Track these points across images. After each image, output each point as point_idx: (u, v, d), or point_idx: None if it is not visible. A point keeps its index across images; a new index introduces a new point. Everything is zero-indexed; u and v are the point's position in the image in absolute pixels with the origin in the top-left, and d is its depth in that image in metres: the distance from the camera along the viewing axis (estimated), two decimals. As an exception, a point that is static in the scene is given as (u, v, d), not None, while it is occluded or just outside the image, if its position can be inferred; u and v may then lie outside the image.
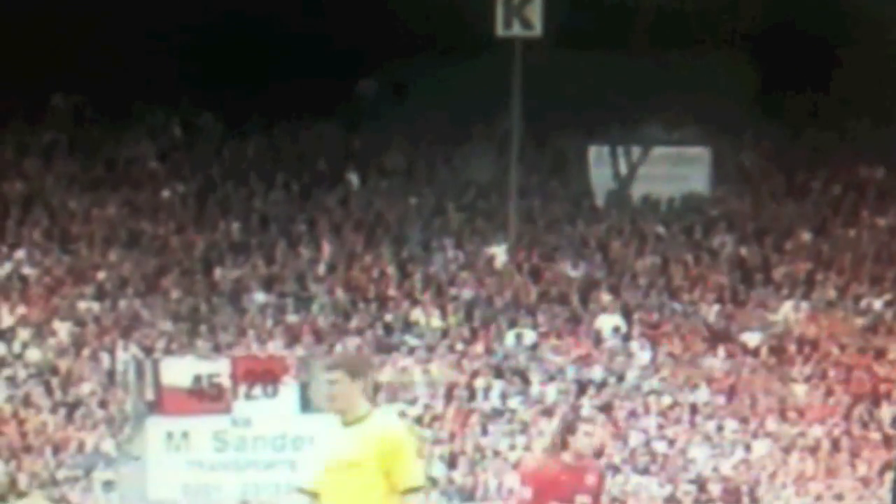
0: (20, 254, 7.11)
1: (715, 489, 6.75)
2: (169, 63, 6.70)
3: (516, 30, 6.84)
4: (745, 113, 7.49)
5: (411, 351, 7.09)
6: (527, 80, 7.23)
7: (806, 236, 7.48)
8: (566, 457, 3.55)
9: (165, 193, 7.00)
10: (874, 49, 6.33)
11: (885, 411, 6.53)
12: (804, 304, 7.21)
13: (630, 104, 7.41)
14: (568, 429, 3.63)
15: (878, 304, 7.00)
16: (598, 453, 6.74)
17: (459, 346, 7.02)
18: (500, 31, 6.82)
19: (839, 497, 6.56)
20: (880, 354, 6.83)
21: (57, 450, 6.49)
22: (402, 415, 7.00)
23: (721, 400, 6.93)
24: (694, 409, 6.87)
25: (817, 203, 7.62)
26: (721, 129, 7.53)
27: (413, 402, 6.91)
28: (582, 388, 6.92)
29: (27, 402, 6.31)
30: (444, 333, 7.13)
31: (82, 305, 7.08)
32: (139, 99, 6.99)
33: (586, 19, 7.20)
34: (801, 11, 6.70)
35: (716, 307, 7.15)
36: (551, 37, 6.96)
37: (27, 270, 7.06)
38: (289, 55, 6.86)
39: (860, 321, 7.06)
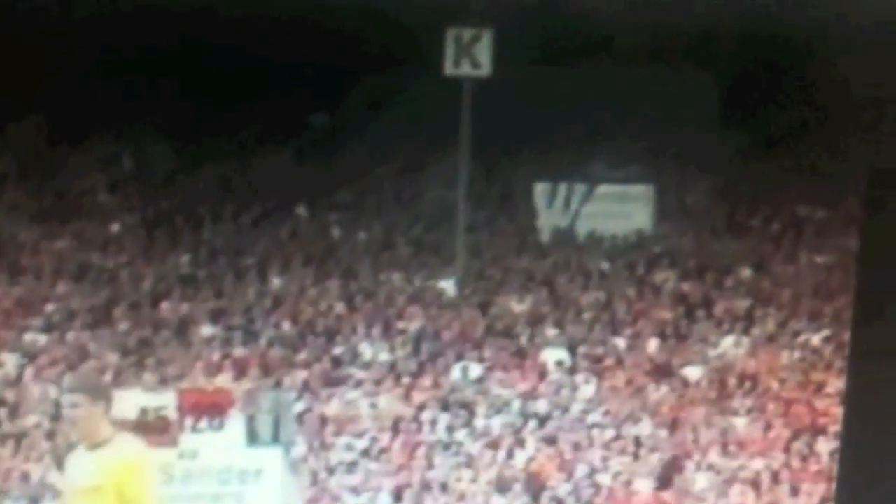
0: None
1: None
2: (119, 93, 6.57)
3: (465, 69, 6.76)
4: (688, 152, 7.45)
5: (358, 384, 6.96)
6: (475, 118, 7.16)
7: (746, 273, 7.43)
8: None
9: (115, 226, 6.86)
10: (816, 88, 6.28)
11: (824, 445, 6.47)
12: (744, 339, 7.14)
13: (576, 143, 7.36)
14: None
15: (816, 340, 6.94)
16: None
17: (406, 380, 6.89)
18: (448, 69, 6.74)
19: (780, 530, 6.50)
20: (819, 389, 6.77)
21: (3, 480, 6.33)
22: (350, 448, 6.87)
23: (664, 433, 6.84)
24: (637, 441, 6.77)
25: (757, 240, 7.58)
26: (664, 167, 7.49)
27: (360, 434, 6.77)
28: (527, 420, 6.81)
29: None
30: (392, 367, 7.01)
31: (29, 337, 6.93)
32: (89, 129, 6.85)
33: (534, 60, 7.14)
34: (743, 50, 6.66)
35: (658, 342, 7.07)
36: (499, 76, 6.89)
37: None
38: (240, 87, 6.75)
39: (799, 356, 7.00)
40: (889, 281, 4.45)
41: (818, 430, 6.53)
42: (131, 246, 6.86)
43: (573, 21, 6.71)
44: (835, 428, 6.07)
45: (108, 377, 6.66)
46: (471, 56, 6.74)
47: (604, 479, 6.69)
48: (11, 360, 6.70)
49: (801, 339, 6.97)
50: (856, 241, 5.26)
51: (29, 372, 6.79)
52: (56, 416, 6.50)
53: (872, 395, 4.44)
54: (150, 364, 6.68)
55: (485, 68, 6.74)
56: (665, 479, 6.56)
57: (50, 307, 6.81)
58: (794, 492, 6.38)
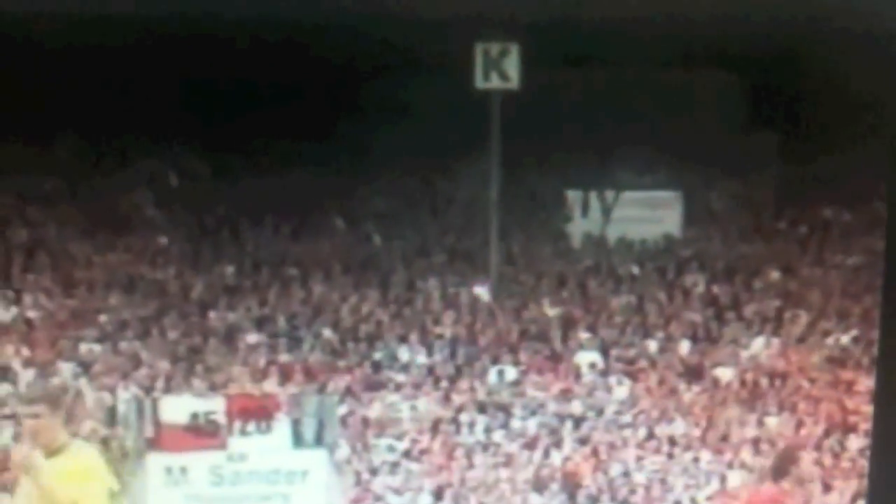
0: (26, 298, 7.08)
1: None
2: (162, 111, 6.70)
3: (494, 82, 6.88)
4: (714, 157, 7.54)
5: (398, 387, 7.08)
6: (505, 128, 7.27)
7: (774, 275, 7.51)
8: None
9: (162, 239, 7.00)
10: (840, 90, 6.35)
11: (854, 442, 6.55)
12: (774, 340, 7.23)
13: (604, 150, 7.46)
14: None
15: (845, 339, 7.02)
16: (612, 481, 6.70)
17: (444, 383, 7.01)
18: (478, 83, 6.86)
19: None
20: (849, 387, 6.86)
21: (59, 486, 6.44)
22: (391, 449, 6.98)
23: (697, 432, 6.93)
24: (671, 441, 6.87)
25: (785, 243, 7.66)
26: (691, 172, 7.58)
27: (401, 436, 6.89)
28: (562, 421, 6.92)
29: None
30: (430, 371, 7.13)
31: (84, 347, 7.06)
32: (136, 148, 6.99)
33: (561, 73, 7.26)
34: (768, 53, 6.74)
35: (689, 343, 7.16)
36: (528, 89, 7.01)
37: (32, 314, 7.03)
38: (275, 104, 6.87)
39: (828, 355, 7.09)
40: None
41: (849, 428, 6.61)
42: (178, 259, 6.99)
43: (597, 31, 6.81)
44: (865, 426, 6.15)
45: (159, 383, 6.79)
46: (499, 69, 6.87)
47: (638, 478, 6.77)
48: (67, 369, 6.84)
49: (831, 339, 7.05)
50: (881, 242, 5.36)
51: (84, 380, 6.92)
52: (111, 423, 6.62)
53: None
54: (199, 371, 6.82)
55: (513, 81, 6.86)
56: (698, 477, 6.65)
57: (103, 318, 6.94)
58: (827, 489, 6.44)
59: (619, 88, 7.29)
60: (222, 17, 6.09)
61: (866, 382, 6.64)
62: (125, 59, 6.43)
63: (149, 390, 6.68)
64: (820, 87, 6.68)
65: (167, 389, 6.81)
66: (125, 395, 6.62)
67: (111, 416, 6.57)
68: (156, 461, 6.24)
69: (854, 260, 7.60)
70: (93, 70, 6.54)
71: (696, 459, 6.72)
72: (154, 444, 6.32)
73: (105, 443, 6.60)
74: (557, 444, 6.97)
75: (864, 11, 5.63)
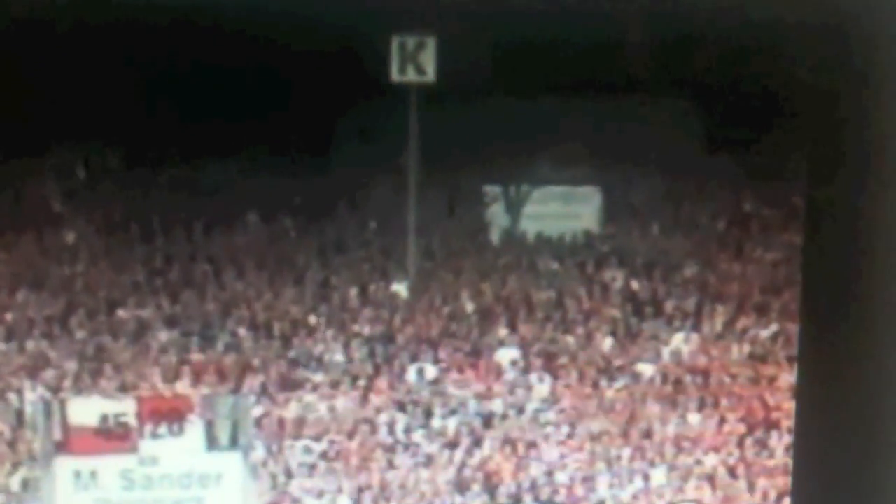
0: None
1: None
2: (74, 102, 6.39)
3: (410, 75, 6.64)
4: (632, 152, 7.39)
5: (315, 387, 6.83)
6: (422, 123, 7.06)
7: (694, 270, 7.37)
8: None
9: (69, 235, 6.67)
10: (762, 88, 6.22)
11: (777, 439, 6.42)
12: (694, 336, 7.08)
13: (521, 146, 7.28)
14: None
15: (765, 335, 6.89)
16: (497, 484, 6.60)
17: (362, 382, 6.77)
18: (395, 76, 6.62)
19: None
20: (770, 383, 6.73)
21: (-38, 489, 6.15)
22: (308, 451, 6.76)
23: (618, 429, 6.77)
24: (593, 438, 6.71)
25: (704, 238, 7.53)
26: (609, 168, 7.42)
27: (319, 437, 6.65)
28: (484, 420, 6.73)
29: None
30: (348, 370, 6.89)
31: (-10, 346, 6.75)
32: (44, 138, 6.66)
33: (478, 65, 7.06)
34: (687, 52, 6.60)
35: (610, 339, 6.99)
36: (444, 82, 6.80)
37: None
38: (190, 95, 6.59)
39: (749, 351, 6.96)
40: (833, 275, 4.38)
41: (771, 425, 6.50)
42: (86, 255, 6.68)
43: (515, 24, 6.60)
44: (788, 423, 6.03)
45: (67, 384, 6.52)
46: (416, 63, 6.63)
47: (561, 477, 6.62)
48: (-29, 370, 6.51)
49: (751, 334, 6.92)
50: (800, 237, 5.18)
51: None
52: (18, 424, 6.37)
53: (823, 388, 4.36)
54: (109, 371, 6.52)
55: (429, 74, 6.63)
56: (621, 475, 6.53)
57: (8, 316, 6.63)
58: (751, 486, 6.33)
59: (538, 83, 7.12)
60: (135, 3, 5.78)
61: (787, 378, 6.54)
62: (35, 46, 6.12)
63: (56, 391, 6.38)
64: (741, 83, 6.54)
65: (76, 390, 6.52)
66: (32, 397, 6.33)
67: (18, 418, 6.28)
68: (64, 465, 5.97)
69: (773, 255, 7.50)
70: (2, 57, 6.22)
71: (618, 457, 6.58)
72: (62, 447, 6.05)
73: (11, 446, 6.31)
74: (478, 443, 6.80)
75: (774, 12, 5.51)
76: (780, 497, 6.09)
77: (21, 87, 6.06)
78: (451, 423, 7.08)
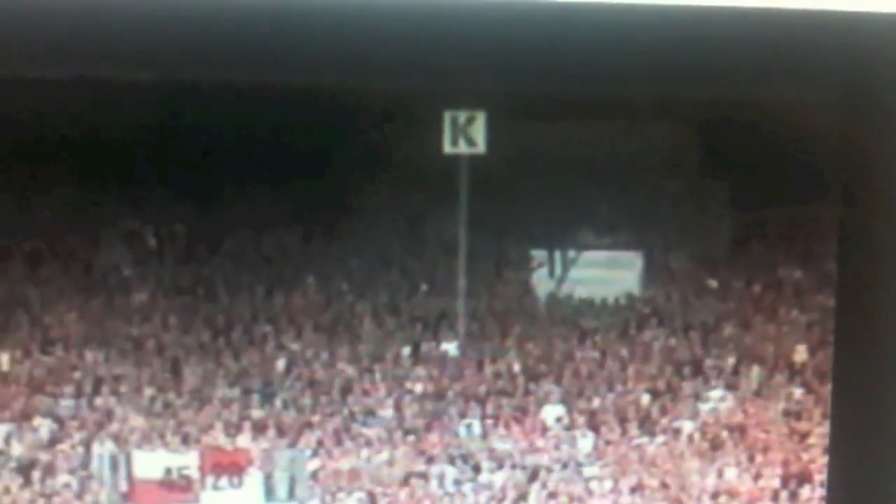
0: (3, 356, 6.93)
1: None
2: (140, 173, 6.59)
3: (462, 147, 6.80)
4: (671, 220, 7.49)
5: (369, 442, 6.92)
6: (472, 192, 7.21)
7: (730, 331, 7.43)
8: None
9: (140, 297, 6.85)
10: (787, 150, 6.31)
11: (810, 492, 6.44)
12: (731, 394, 7.14)
13: (567, 213, 7.40)
14: None
15: (798, 393, 6.93)
16: None
17: (413, 437, 6.86)
18: (447, 148, 6.78)
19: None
20: (803, 439, 6.76)
21: (36, 538, 6.27)
22: (362, 502, 6.83)
23: (657, 483, 6.81)
24: (634, 492, 6.75)
25: (739, 300, 7.60)
26: (649, 234, 7.53)
27: (372, 489, 6.72)
28: (529, 474, 6.78)
29: (8, 494, 6.10)
30: (400, 424, 6.98)
31: (60, 403, 6.89)
32: (114, 208, 6.86)
33: (525, 137, 7.21)
34: (722, 118, 6.71)
35: (650, 396, 7.06)
36: (494, 154, 6.95)
37: (7, 370, 6.88)
38: (252, 168, 6.78)
39: (784, 408, 7.00)
40: (864, 336, 4.46)
41: (805, 478, 6.52)
42: (153, 317, 6.85)
43: (559, 99, 6.77)
44: (820, 476, 6.05)
45: (133, 438, 6.64)
46: (466, 135, 6.80)
47: (606, 525, 6.67)
48: (44, 425, 6.66)
49: (785, 391, 6.97)
50: (832, 299, 5.28)
51: (59, 436, 6.76)
52: (86, 477, 6.49)
53: (854, 443, 4.43)
54: (173, 426, 6.65)
55: (480, 146, 6.79)
56: None
57: (77, 375, 6.79)
58: (784, 538, 6.37)
59: (582, 154, 7.26)
60: (203, 80, 5.98)
61: (820, 433, 6.55)
62: (105, 119, 6.33)
63: (123, 445, 6.51)
64: (769, 146, 6.65)
65: (141, 445, 6.65)
66: (99, 450, 6.46)
67: (85, 471, 6.40)
68: (130, 515, 6.06)
69: (806, 316, 7.56)
70: (73, 130, 6.44)
71: (658, 511, 6.62)
72: (128, 498, 6.15)
73: (80, 497, 6.44)
74: (524, 496, 6.84)
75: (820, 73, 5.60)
76: (812, 547, 6.12)
77: (91, 161, 6.27)
78: (498, 477, 7.15)
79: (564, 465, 7.28)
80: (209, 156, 7.12)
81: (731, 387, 7.59)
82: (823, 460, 5.83)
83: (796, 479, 6.83)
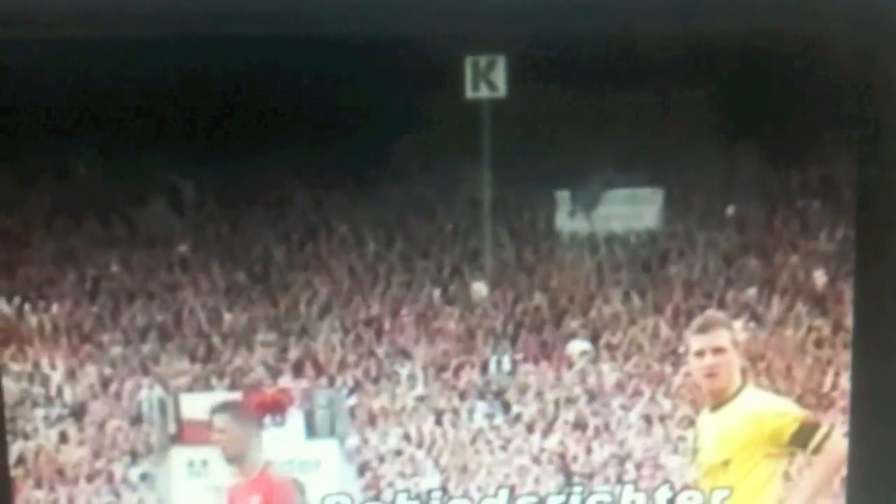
0: (54, 307, 6.74)
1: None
2: (176, 128, 6.34)
3: (483, 92, 6.50)
4: (692, 156, 7.18)
5: (403, 380, 6.70)
6: (494, 135, 6.92)
7: (752, 263, 7.14)
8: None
9: (181, 248, 6.63)
10: (806, 84, 5.98)
11: (832, 417, 6.17)
12: (752, 324, 6.85)
13: (588, 153, 7.10)
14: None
15: (819, 322, 6.64)
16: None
17: (445, 374, 6.63)
18: (469, 93, 6.48)
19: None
20: (825, 367, 6.48)
21: (91, 480, 6.11)
22: (397, 437, 6.63)
23: (681, 414, 6.56)
24: (661, 419, 6.49)
25: (759, 233, 7.29)
26: (670, 171, 7.21)
27: (406, 425, 6.52)
28: (557, 406, 6.54)
29: (64, 438, 5.92)
30: (432, 363, 6.75)
31: (109, 351, 6.71)
32: (153, 164, 6.62)
33: (545, 81, 6.90)
34: (742, 66, 6.38)
35: (673, 330, 6.79)
36: (515, 97, 6.65)
37: (59, 321, 6.69)
38: (276, 118, 6.51)
39: (803, 337, 6.71)
40: (885, 264, 4.20)
41: (827, 406, 6.24)
42: (194, 267, 6.63)
43: (578, 42, 6.45)
44: (843, 403, 5.77)
45: (180, 382, 6.46)
46: (488, 80, 6.49)
47: (634, 455, 6.43)
48: (93, 372, 6.48)
49: (807, 321, 6.67)
50: (852, 229, 4.97)
51: (109, 382, 6.59)
52: (137, 420, 6.33)
53: (876, 370, 4.17)
54: (217, 369, 6.45)
55: (501, 90, 6.49)
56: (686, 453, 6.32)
57: (125, 323, 6.60)
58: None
59: (601, 95, 6.95)
60: (219, 33, 5.76)
61: (842, 361, 6.27)
62: (140, 76, 6.07)
63: (169, 389, 6.32)
64: (791, 81, 6.31)
65: (187, 388, 6.47)
66: (147, 394, 6.28)
67: (138, 414, 6.24)
68: (179, 455, 5.91)
69: (826, 246, 7.26)
70: (108, 88, 6.18)
71: (681, 438, 6.37)
72: (177, 439, 5.99)
73: (130, 440, 6.28)
74: (552, 427, 6.61)
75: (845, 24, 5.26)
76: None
77: (131, 119, 6.04)
78: (528, 410, 6.91)
79: (591, 398, 7.03)
80: (238, 111, 6.87)
81: (752, 317, 7.31)
82: (846, 387, 5.58)
83: (819, 407, 6.56)
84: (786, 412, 2.67)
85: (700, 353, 2.49)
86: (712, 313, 3.78)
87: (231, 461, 2.29)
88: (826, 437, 2.73)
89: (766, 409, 2.61)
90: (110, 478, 5.99)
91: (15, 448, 5.88)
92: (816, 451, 2.56)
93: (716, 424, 2.71)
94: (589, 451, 6.19)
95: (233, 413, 2.34)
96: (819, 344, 6.23)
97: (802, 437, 2.65)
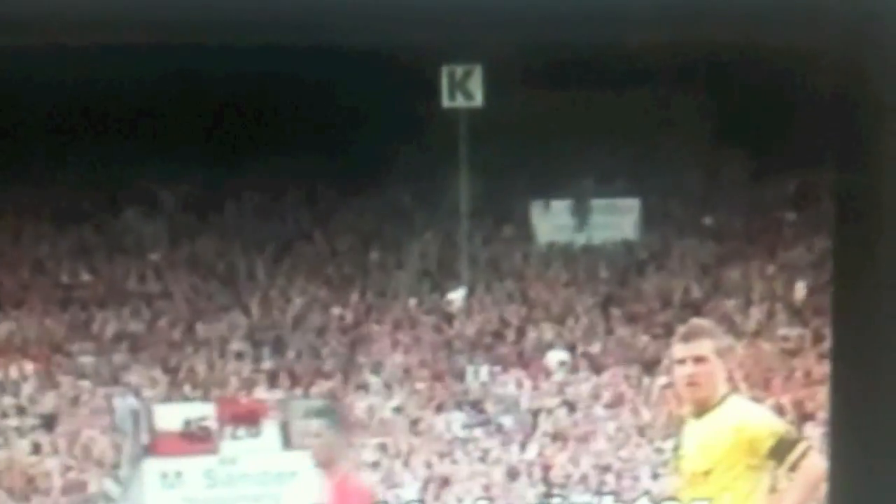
0: (24, 316, 6.70)
1: None
2: (153, 137, 6.32)
3: (459, 101, 6.51)
4: (669, 166, 7.21)
5: (379, 390, 6.70)
6: (471, 144, 6.92)
7: (731, 273, 7.17)
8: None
9: (153, 257, 6.60)
10: (793, 95, 6.02)
11: (812, 428, 6.21)
12: (729, 337, 6.89)
13: (565, 163, 7.12)
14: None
15: (796, 333, 6.68)
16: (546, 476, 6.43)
17: (422, 385, 6.64)
18: (445, 102, 6.49)
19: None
20: (804, 377, 6.53)
21: (63, 491, 6.08)
22: (374, 448, 6.63)
23: (660, 422, 6.59)
24: (639, 431, 6.53)
25: (737, 243, 7.33)
26: (648, 180, 7.25)
27: (383, 435, 6.52)
28: (534, 416, 6.57)
29: (35, 449, 5.89)
30: (408, 373, 6.75)
31: (81, 360, 6.68)
32: (130, 168, 6.60)
33: (521, 90, 6.92)
34: (722, 74, 6.42)
35: (650, 340, 6.81)
36: (491, 106, 6.66)
37: (30, 331, 6.65)
38: (254, 125, 6.50)
39: (782, 348, 6.76)
40: (863, 275, 4.20)
41: (807, 416, 6.29)
42: (168, 276, 6.60)
43: (555, 52, 6.46)
44: (823, 414, 5.83)
45: (154, 392, 6.44)
46: (463, 89, 6.50)
47: (613, 465, 6.45)
48: (67, 382, 6.44)
49: (783, 332, 6.72)
50: (829, 241, 4.98)
51: (81, 392, 6.56)
52: (110, 430, 6.30)
53: (855, 380, 4.17)
54: (191, 379, 6.43)
55: (477, 99, 6.50)
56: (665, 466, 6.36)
57: (96, 331, 6.56)
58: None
59: (577, 105, 6.98)
60: (206, 42, 5.64)
61: (820, 371, 6.33)
62: (119, 85, 6.04)
63: (143, 399, 6.30)
64: (771, 93, 6.35)
65: (161, 398, 6.44)
66: (121, 405, 6.25)
67: (110, 425, 6.20)
68: (152, 466, 5.88)
69: (805, 257, 7.30)
70: (88, 96, 6.15)
71: (658, 450, 6.39)
72: (150, 450, 5.97)
73: (102, 450, 6.24)
74: (530, 438, 6.63)
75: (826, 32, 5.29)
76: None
77: (108, 126, 6.00)
78: (506, 421, 6.93)
79: (570, 408, 7.06)
80: (216, 119, 6.85)
81: (729, 329, 7.34)
82: (824, 398, 5.61)
83: (799, 416, 6.59)
84: (765, 425, 2.65)
85: (682, 362, 2.49)
86: (696, 322, 3.75)
87: (321, 466, 2.28)
88: (804, 454, 2.68)
89: (746, 420, 2.59)
90: (83, 488, 5.87)
91: (-14, 459, 5.71)
92: (793, 468, 2.53)
93: (699, 433, 2.69)
94: (568, 461, 6.15)
95: (329, 418, 2.33)
96: (796, 354, 6.20)
97: (780, 452, 2.63)
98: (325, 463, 2.61)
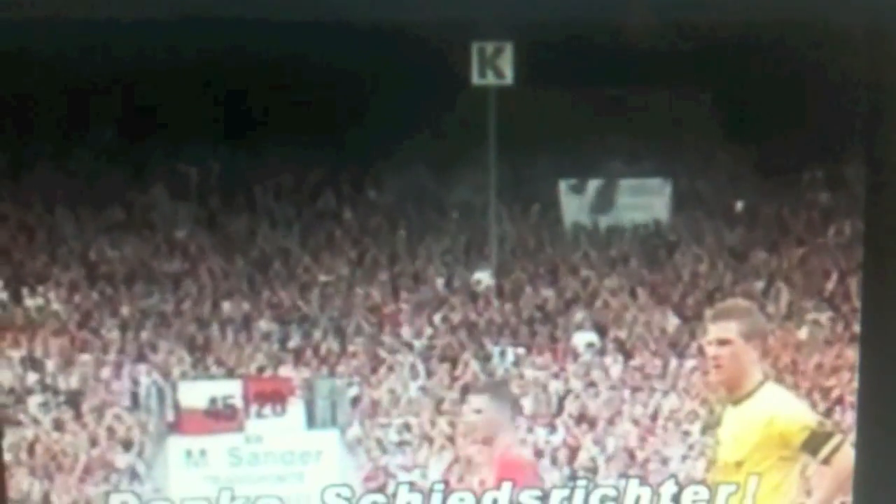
0: (51, 292, 6.79)
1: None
2: (180, 111, 6.38)
3: (490, 79, 6.53)
4: (701, 147, 7.21)
5: (405, 370, 6.75)
6: (500, 123, 6.94)
7: (760, 255, 7.17)
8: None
9: (180, 235, 6.67)
10: (822, 75, 6.00)
11: (840, 414, 6.21)
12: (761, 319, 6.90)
13: (595, 142, 7.13)
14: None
15: (824, 318, 6.68)
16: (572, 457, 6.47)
17: (448, 365, 6.68)
18: (475, 80, 6.51)
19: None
20: (833, 362, 6.53)
21: (87, 469, 6.17)
22: (399, 428, 6.69)
23: (689, 407, 6.62)
24: (667, 413, 6.56)
25: (768, 226, 7.33)
26: (678, 161, 7.24)
27: (409, 416, 6.58)
28: (561, 399, 6.60)
29: (59, 426, 5.98)
30: (434, 353, 6.80)
31: (107, 337, 6.76)
32: (153, 145, 6.66)
33: (552, 68, 6.93)
34: (753, 53, 6.41)
35: (679, 322, 6.83)
36: (521, 84, 6.67)
37: (57, 306, 6.74)
38: (280, 104, 6.55)
39: (810, 332, 6.76)
40: (893, 259, 4.22)
41: (836, 401, 6.29)
42: (194, 253, 6.67)
43: (586, 30, 6.47)
44: (851, 399, 5.83)
45: (179, 370, 6.52)
46: (494, 67, 6.51)
47: (640, 449, 6.49)
48: (91, 359, 6.53)
49: (811, 316, 6.71)
50: (860, 224, 4.99)
51: (107, 369, 6.65)
52: (133, 407, 6.38)
53: (884, 365, 4.20)
54: (216, 358, 6.51)
55: (507, 77, 6.51)
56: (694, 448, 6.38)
57: (124, 310, 6.64)
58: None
59: (609, 82, 6.98)
60: (226, 23, 5.71)
61: (850, 356, 6.32)
62: (144, 60, 6.10)
63: (168, 377, 6.37)
64: (801, 73, 6.34)
65: (186, 376, 6.52)
66: (146, 382, 6.33)
67: (133, 402, 6.28)
68: (176, 444, 5.96)
69: (835, 241, 7.28)
70: (112, 72, 6.22)
71: (686, 433, 6.42)
72: (174, 427, 6.04)
73: (128, 428, 6.33)
74: (557, 420, 6.66)
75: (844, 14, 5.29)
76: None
77: (131, 102, 6.07)
78: (531, 402, 6.96)
79: (597, 392, 7.09)
80: (242, 96, 6.91)
81: (759, 310, 7.34)
82: (854, 384, 5.62)
83: (827, 401, 6.60)
84: (798, 418, 2.65)
85: (709, 344, 2.51)
86: (723, 304, 3.75)
87: (483, 442, 2.32)
88: (837, 448, 2.68)
89: (778, 412, 2.60)
90: (107, 466, 6.00)
91: (9, 435, 5.87)
92: (826, 461, 2.53)
93: (735, 420, 2.70)
94: (594, 444, 6.21)
95: (491, 393, 2.34)
96: (826, 339, 6.21)
97: (813, 445, 2.62)
98: (487, 439, 2.64)
